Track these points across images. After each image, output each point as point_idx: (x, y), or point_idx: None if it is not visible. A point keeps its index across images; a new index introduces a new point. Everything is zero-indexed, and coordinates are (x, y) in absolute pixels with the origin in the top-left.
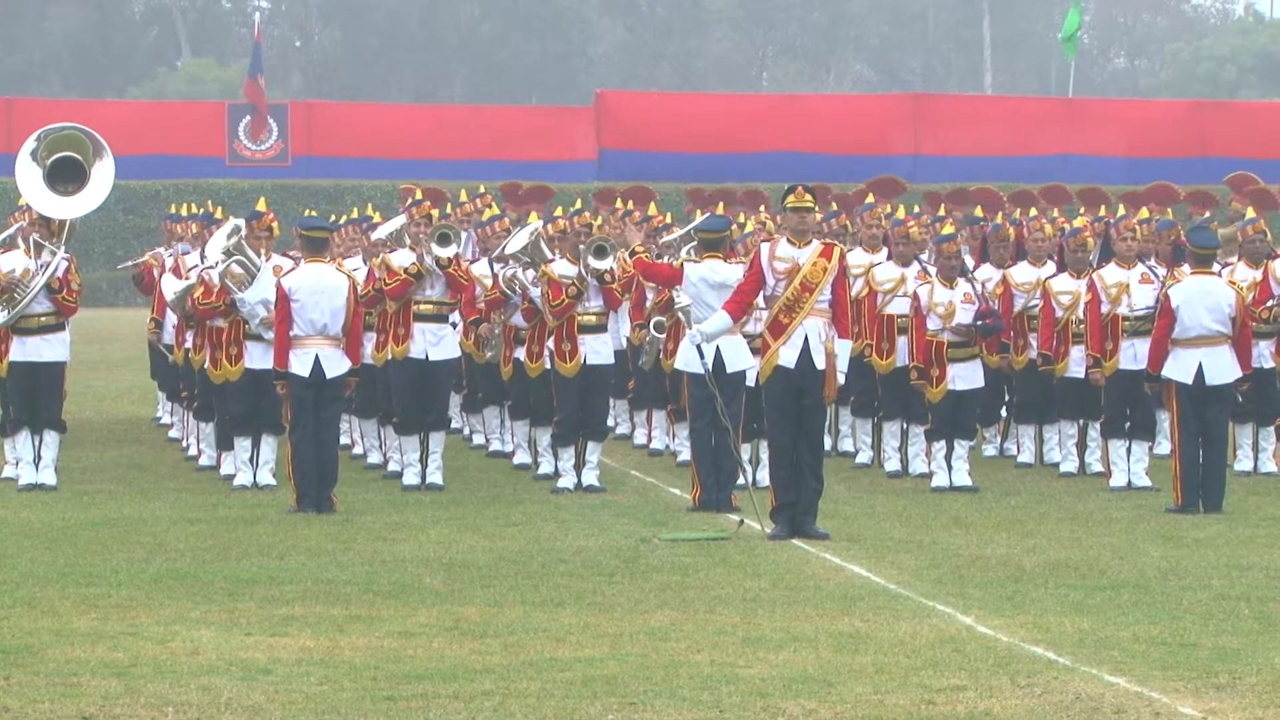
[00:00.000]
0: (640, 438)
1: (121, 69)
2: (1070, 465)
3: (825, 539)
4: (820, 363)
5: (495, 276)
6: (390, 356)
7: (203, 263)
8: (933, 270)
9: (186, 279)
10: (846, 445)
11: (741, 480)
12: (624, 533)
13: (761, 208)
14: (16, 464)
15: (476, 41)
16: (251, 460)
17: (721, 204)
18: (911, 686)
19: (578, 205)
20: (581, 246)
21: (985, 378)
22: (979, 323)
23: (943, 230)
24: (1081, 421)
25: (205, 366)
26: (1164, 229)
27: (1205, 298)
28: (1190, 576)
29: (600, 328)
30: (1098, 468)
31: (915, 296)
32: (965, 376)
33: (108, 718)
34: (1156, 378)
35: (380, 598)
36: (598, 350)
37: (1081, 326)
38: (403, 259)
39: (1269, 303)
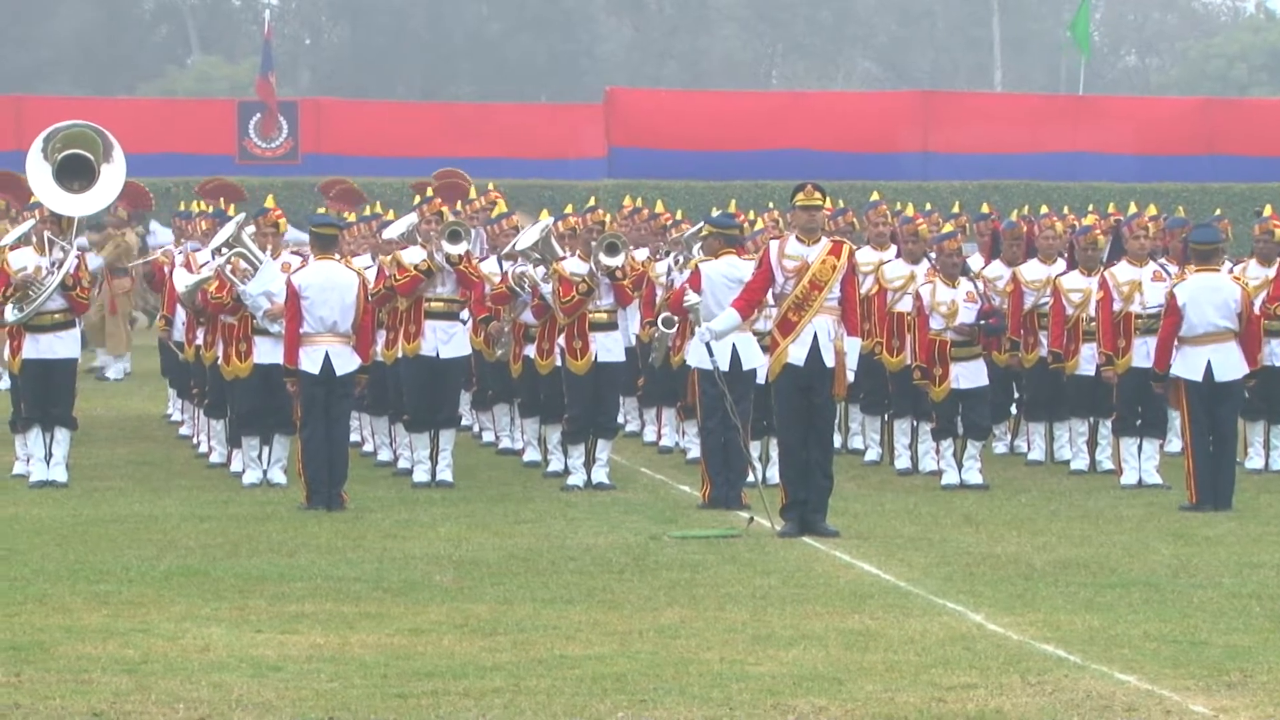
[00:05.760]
0: (650, 435)
1: (131, 67)
2: (1081, 463)
3: (835, 536)
4: (829, 360)
5: (504, 274)
6: (401, 354)
7: (214, 259)
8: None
9: (198, 275)
10: (856, 443)
11: (751, 478)
12: (634, 530)
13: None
14: (28, 461)
15: (484, 40)
16: (261, 458)
17: (733, 202)
18: (922, 684)
19: (591, 203)
20: (593, 244)
21: (990, 375)
22: (982, 322)
23: (943, 229)
24: (1092, 419)
25: (218, 363)
26: (1174, 227)
27: (1212, 294)
28: (1201, 574)
29: (611, 325)
30: (1108, 465)
31: (918, 296)
32: (968, 375)
33: (118, 714)
34: (1163, 377)
35: (390, 595)
36: (609, 348)
37: (1092, 324)
38: (414, 256)
39: None
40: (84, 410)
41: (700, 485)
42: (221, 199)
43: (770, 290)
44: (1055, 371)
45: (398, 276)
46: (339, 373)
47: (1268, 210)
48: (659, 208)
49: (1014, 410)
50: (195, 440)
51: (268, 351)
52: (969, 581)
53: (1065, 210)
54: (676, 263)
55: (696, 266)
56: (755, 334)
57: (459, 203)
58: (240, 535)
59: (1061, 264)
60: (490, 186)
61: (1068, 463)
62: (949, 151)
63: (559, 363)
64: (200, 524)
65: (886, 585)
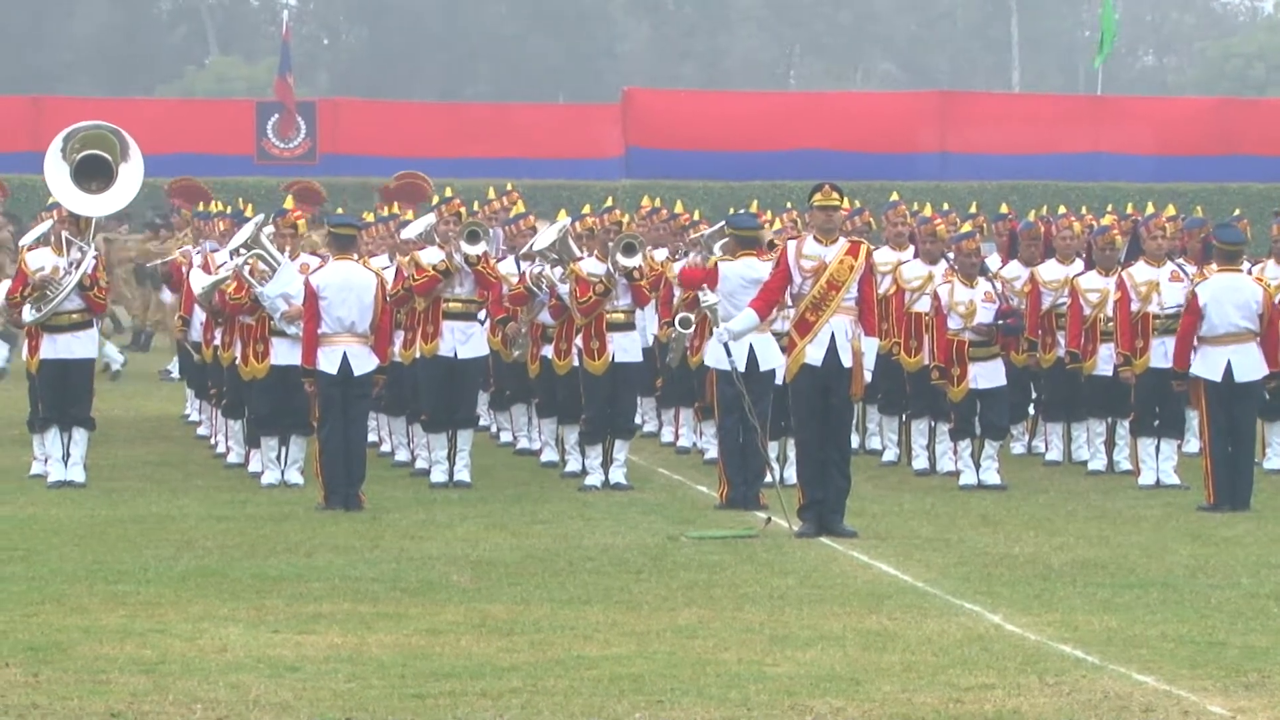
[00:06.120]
0: (668, 435)
1: (149, 67)
2: (1098, 463)
3: (853, 537)
4: (847, 361)
5: (522, 274)
6: (419, 354)
7: (231, 260)
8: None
9: (216, 276)
10: (874, 443)
11: (769, 478)
12: (651, 530)
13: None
14: (45, 461)
15: (501, 40)
16: (279, 458)
17: (755, 201)
18: (939, 685)
19: (609, 203)
20: (610, 244)
21: (1008, 376)
22: (1000, 322)
23: (961, 229)
24: (1110, 419)
25: (236, 363)
26: (1193, 227)
27: (1233, 295)
28: (1219, 575)
29: (628, 325)
30: (1126, 466)
31: (936, 296)
32: (986, 375)
33: (136, 714)
34: (1184, 375)
35: (408, 595)
36: (626, 348)
37: (1110, 324)
38: (432, 257)
39: None
40: (102, 410)
41: (718, 485)
42: (196, 201)
43: (788, 290)
44: (1073, 372)
45: (416, 277)
46: (357, 373)
47: None
48: (678, 208)
49: (1032, 410)
50: (213, 440)
51: (285, 352)
52: (987, 582)
53: (1083, 210)
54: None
55: (716, 264)
56: (774, 334)
57: (476, 203)
58: (258, 535)
59: (1079, 264)
60: (509, 187)
61: (1085, 463)
62: (967, 152)
63: (576, 363)
64: (218, 524)
65: (904, 586)
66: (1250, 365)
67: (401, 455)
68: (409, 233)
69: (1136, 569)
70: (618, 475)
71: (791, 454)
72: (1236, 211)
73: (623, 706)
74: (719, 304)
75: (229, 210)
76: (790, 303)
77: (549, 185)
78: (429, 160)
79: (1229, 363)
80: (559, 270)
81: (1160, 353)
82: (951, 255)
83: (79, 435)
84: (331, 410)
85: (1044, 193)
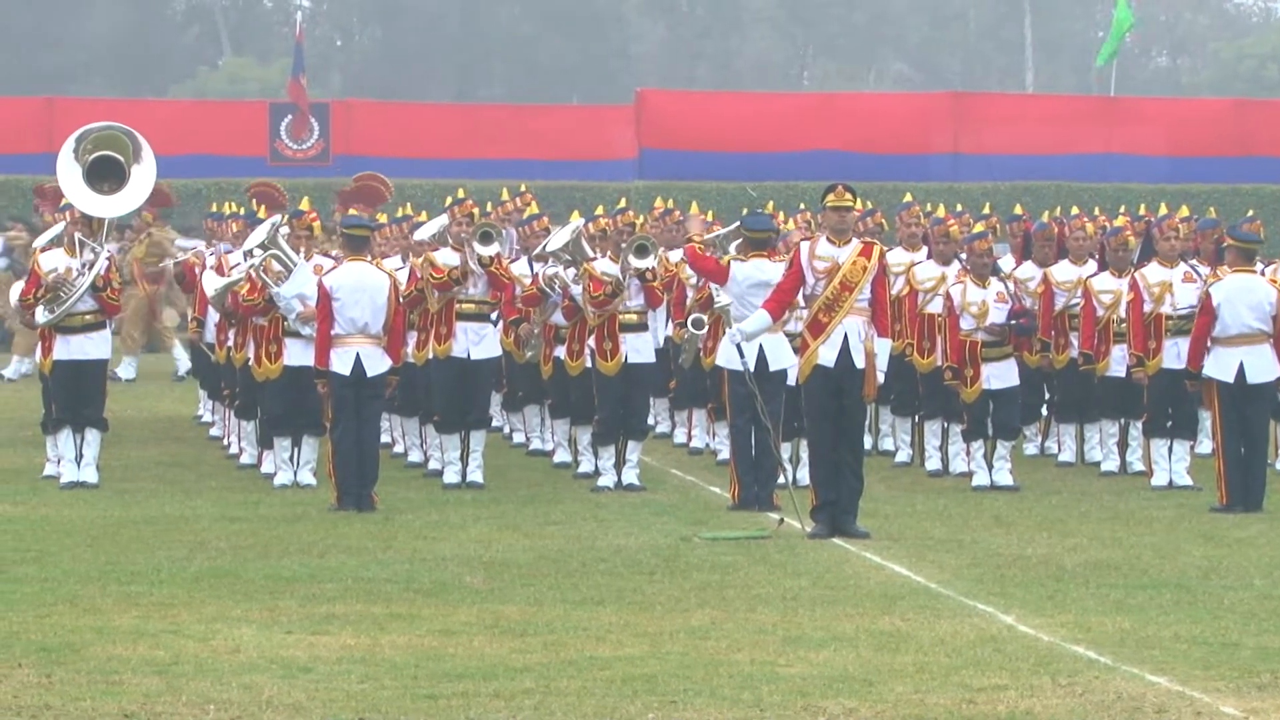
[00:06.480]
0: (680, 436)
1: (162, 68)
2: (1111, 464)
3: (866, 538)
4: (860, 362)
5: (535, 275)
6: (432, 355)
7: (245, 261)
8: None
9: (229, 277)
10: (887, 444)
11: (782, 479)
12: (664, 531)
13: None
14: (58, 462)
15: (516, 41)
16: (292, 459)
17: (770, 203)
18: (952, 686)
19: (622, 204)
20: (623, 245)
21: (1021, 376)
22: (1013, 323)
23: (975, 229)
24: (1123, 420)
25: (249, 364)
26: (1206, 228)
27: (1246, 295)
28: (1232, 576)
29: (641, 326)
30: (1139, 467)
31: (948, 297)
32: (999, 376)
33: (149, 715)
34: (1197, 376)
35: (421, 596)
36: (639, 349)
37: (1123, 325)
38: (446, 258)
39: None
40: (114, 411)
41: (729, 486)
42: (158, 204)
43: (801, 291)
44: (1086, 373)
45: (434, 276)
46: (370, 374)
47: None
48: (692, 209)
49: (1045, 411)
50: (226, 441)
51: (298, 353)
52: (1000, 583)
53: (1096, 211)
54: None
55: (729, 262)
56: (787, 335)
57: (489, 204)
58: (271, 536)
59: (1092, 265)
60: (522, 188)
61: (1098, 464)
62: (980, 153)
63: (589, 364)
64: (231, 525)
65: (917, 587)
66: (1263, 366)
67: (414, 456)
68: (422, 234)
69: (1149, 570)
70: (630, 476)
71: (804, 455)
72: (1250, 213)
73: (635, 707)
74: (731, 305)
75: (242, 211)
76: (803, 304)
77: (562, 186)
78: (443, 161)
79: (1242, 364)
80: (572, 271)
81: (1173, 354)
82: (964, 256)
83: (92, 436)
84: (344, 411)
85: (1057, 193)
